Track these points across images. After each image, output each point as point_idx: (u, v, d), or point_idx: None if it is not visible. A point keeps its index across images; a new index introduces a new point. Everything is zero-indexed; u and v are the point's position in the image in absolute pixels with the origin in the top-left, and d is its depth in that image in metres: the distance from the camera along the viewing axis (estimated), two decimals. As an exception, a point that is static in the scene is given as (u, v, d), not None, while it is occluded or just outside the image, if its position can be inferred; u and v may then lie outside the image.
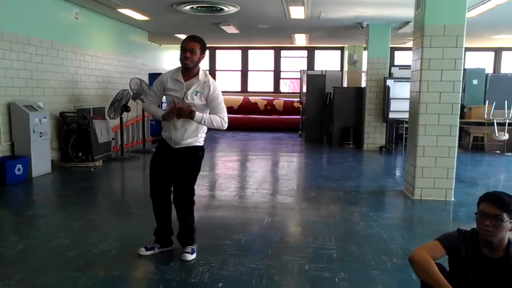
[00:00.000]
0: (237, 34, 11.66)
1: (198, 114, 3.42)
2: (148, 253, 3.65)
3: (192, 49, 3.41)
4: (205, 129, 3.64)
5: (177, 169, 3.55)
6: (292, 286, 3.26)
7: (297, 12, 8.52)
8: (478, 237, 2.34)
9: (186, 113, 3.39)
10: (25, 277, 3.25)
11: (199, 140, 3.61)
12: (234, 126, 14.04)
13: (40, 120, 6.79)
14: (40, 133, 6.78)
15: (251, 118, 14.26)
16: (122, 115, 8.66)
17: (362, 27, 9.95)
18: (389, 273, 3.43)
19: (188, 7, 8.06)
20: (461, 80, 5.54)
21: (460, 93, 5.55)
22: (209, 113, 3.54)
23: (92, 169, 7.53)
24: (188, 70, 3.48)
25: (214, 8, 8.22)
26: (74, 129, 7.74)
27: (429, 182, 5.69)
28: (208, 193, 6.07)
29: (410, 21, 9.23)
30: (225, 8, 8.20)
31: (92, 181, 6.96)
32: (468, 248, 2.37)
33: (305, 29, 11.02)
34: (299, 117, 13.48)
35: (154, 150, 3.84)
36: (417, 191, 5.73)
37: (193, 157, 3.59)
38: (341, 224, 4.76)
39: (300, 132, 13.03)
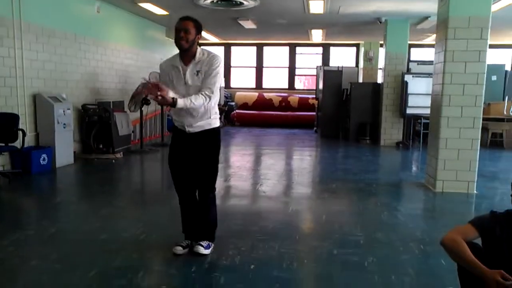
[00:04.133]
0: (253, 30, 11.71)
1: (180, 102, 3.10)
2: (186, 251, 3.45)
3: (186, 29, 3.20)
4: (216, 107, 3.43)
5: (197, 155, 3.36)
6: (322, 269, 3.29)
7: (316, 7, 8.55)
8: (514, 218, 2.36)
9: (165, 102, 3.09)
10: (61, 257, 3.34)
11: (213, 122, 3.39)
12: (249, 122, 14.16)
13: (64, 111, 6.90)
14: (64, 124, 6.90)
15: (266, 115, 14.30)
16: (142, 108, 8.75)
17: (380, 22, 9.94)
18: (418, 258, 3.47)
19: (208, 1, 8.13)
20: (485, 72, 5.52)
21: (484, 85, 5.53)
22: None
23: (113, 161, 7.63)
24: (184, 51, 3.25)
25: (234, 2, 8.28)
26: (95, 121, 7.85)
27: (451, 174, 5.68)
28: (231, 184, 6.12)
29: (429, 16, 9.23)
30: (245, 2, 8.25)
31: (114, 172, 7.06)
32: (503, 228, 2.39)
33: (323, 25, 11.03)
34: (314, 113, 13.47)
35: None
36: (439, 184, 5.72)
37: (212, 139, 3.39)
38: (365, 213, 4.80)
39: (315, 128, 13.04)
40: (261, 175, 6.79)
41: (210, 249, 3.48)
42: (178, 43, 3.23)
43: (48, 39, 6.97)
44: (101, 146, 8.01)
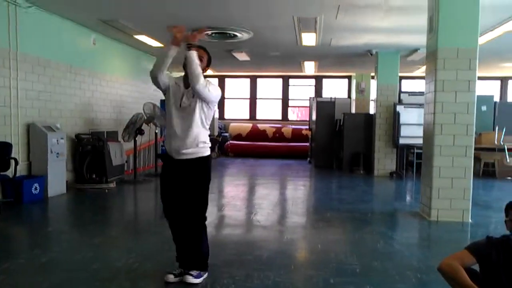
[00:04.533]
0: (246, 62, 11.89)
1: (194, 53, 3.21)
2: (178, 279, 3.39)
3: (201, 56, 3.32)
4: (207, 137, 3.42)
5: (185, 184, 3.31)
6: (319, 298, 3.25)
7: (308, 39, 8.74)
8: (510, 243, 2.37)
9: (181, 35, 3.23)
10: (53, 286, 3.27)
11: (202, 150, 3.35)
12: (243, 153, 14.19)
13: (57, 140, 6.88)
14: (57, 153, 6.87)
15: (260, 145, 14.36)
16: (136, 138, 8.76)
17: (371, 54, 10.16)
18: (415, 287, 3.43)
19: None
20: (475, 101, 5.62)
21: (475, 115, 5.61)
22: None
23: (107, 191, 7.56)
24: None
25: (228, 35, 8.44)
26: (89, 150, 7.84)
27: (445, 203, 5.68)
28: (225, 213, 6.07)
29: (419, 48, 9.45)
30: (239, 35, 8.42)
31: (107, 202, 6.98)
32: (499, 253, 2.39)
33: (315, 57, 11.24)
34: (307, 144, 13.56)
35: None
36: (433, 212, 5.71)
37: (199, 169, 3.34)
38: (361, 242, 4.76)
39: (309, 159, 13.09)
40: (256, 204, 6.75)
41: (202, 278, 3.41)
42: None
43: (44, 70, 7.03)
44: (94, 176, 7.95)
